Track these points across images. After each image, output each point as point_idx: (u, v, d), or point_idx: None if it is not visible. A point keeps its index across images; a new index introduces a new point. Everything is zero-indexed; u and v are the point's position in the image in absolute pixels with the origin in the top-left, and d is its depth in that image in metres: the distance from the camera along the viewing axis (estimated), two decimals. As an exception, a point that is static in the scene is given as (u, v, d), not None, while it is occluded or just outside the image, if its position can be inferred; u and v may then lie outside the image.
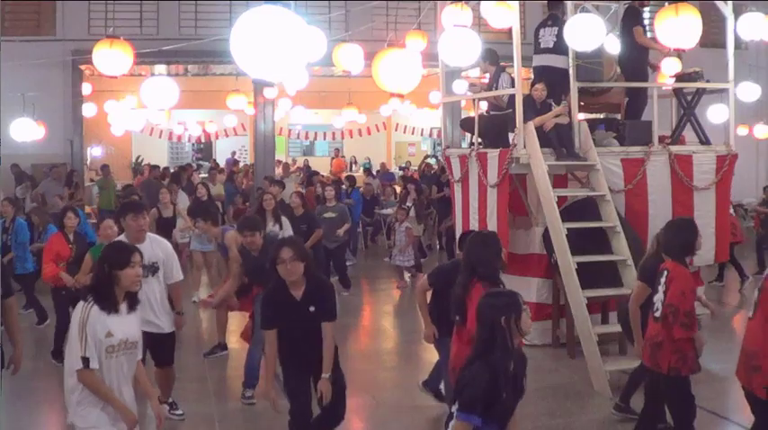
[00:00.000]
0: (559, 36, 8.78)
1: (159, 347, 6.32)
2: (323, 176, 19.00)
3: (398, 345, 9.85)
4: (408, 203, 13.80)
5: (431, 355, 7.24)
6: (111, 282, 4.25)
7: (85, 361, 4.10)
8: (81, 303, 4.24)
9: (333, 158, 24.65)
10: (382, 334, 10.62)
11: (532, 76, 9.75)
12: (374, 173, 20.86)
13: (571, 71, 8.84)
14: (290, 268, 5.09)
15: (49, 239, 8.81)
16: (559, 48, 8.95)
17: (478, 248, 5.39)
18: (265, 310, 5.30)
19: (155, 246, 6.21)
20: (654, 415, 5.77)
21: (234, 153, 24.21)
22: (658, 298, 5.41)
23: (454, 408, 3.72)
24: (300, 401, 5.27)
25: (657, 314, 5.38)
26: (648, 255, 6.21)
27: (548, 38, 9.27)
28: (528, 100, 8.89)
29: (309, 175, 18.94)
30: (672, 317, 5.23)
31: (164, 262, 6.23)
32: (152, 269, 6.11)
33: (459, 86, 14.00)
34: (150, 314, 6.12)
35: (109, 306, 4.21)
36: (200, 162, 24.29)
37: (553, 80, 9.05)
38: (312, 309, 5.17)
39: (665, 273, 5.40)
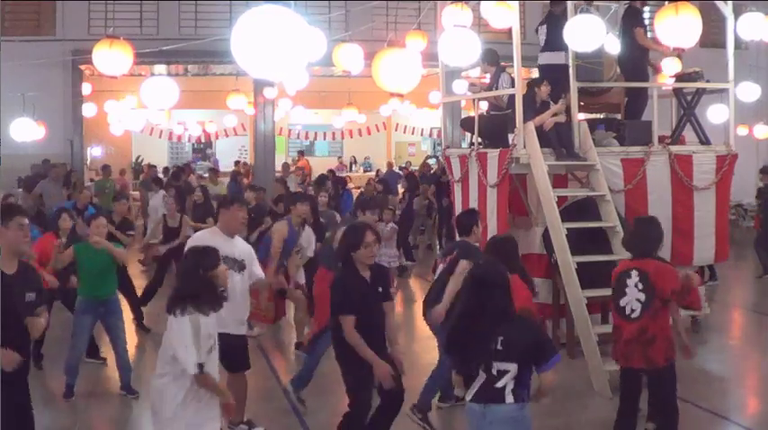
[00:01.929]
0: (549, 32, 8.80)
1: (242, 350, 6.18)
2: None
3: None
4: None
5: (430, 356, 7.25)
6: (211, 283, 4.51)
7: (200, 366, 4.38)
8: (177, 317, 4.39)
9: (297, 159, 23.48)
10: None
11: (533, 76, 9.76)
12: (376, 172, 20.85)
13: (571, 71, 8.84)
14: (374, 251, 5.36)
15: (39, 241, 8.48)
16: (553, 44, 8.95)
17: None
18: (349, 295, 5.32)
19: (243, 244, 6.18)
20: (633, 413, 5.78)
21: (237, 163, 23.79)
22: (630, 299, 5.45)
23: None
24: (369, 390, 5.42)
25: (635, 315, 5.43)
26: None
27: (541, 36, 9.31)
28: (528, 100, 8.89)
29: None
30: (678, 299, 5.42)
31: (249, 260, 6.11)
32: (241, 266, 6.01)
33: (459, 86, 14.00)
34: (244, 313, 6.13)
35: (215, 306, 4.50)
36: (200, 162, 24.27)
37: (552, 77, 9.04)
38: (380, 289, 5.46)
39: (638, 272, 5.44)
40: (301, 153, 23.90)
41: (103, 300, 7.52)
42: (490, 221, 9.16)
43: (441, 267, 6.68)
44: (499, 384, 4.26)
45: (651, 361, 5.41)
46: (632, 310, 5.45)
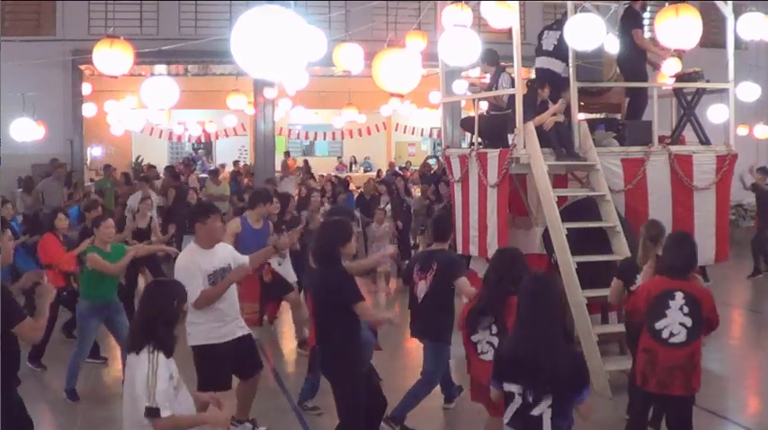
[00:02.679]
0: (560, 40, 8.79)
1: (254, 350, 6.25)
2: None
3: (397, 346, 9.83)
4: (381, 205, 13.69)
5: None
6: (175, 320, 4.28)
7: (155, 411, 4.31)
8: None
9: (284, 160, 22.49)
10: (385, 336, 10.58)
11: (532, 76, 9.75)
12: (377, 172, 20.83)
13: (571, 71, 8.85)
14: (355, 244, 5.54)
15: (43, 243, 8.56)
16: (559, 52, 8.97)
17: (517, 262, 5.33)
18: (355, 283, 5.33)
19: (223, 249, 6.07)
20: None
21: (237, 163, 23.69)
22: (672, 322, 5.13)
23: None
24: (364, 397, 5.42)
25: (677, 340, 5.12)
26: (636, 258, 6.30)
27: (550, 41, 9.27)
28: (527, 99, 8.89)
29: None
30: (707, 331, 5.24)
31: (232, 258, 6.05)
32: (228, 270, 5.92)
33: (459, 86, 13.99)
34: (240, 318, 6.12)
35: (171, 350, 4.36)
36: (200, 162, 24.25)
37: (551, 84, 9.05)
38: None
39: (683, 295, 5.12)
40: (287, 154, 23.68)
41: (109, 302, 7.46)
42: (490, 221, 9.17)
43: (421, 284, 6.36)
44: (535, 412, 3.99)
45: (691, 387, 5.18)
46: (671, 334, 5.13)
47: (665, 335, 5.14)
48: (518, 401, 4.03)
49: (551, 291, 4.16)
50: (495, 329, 5.23)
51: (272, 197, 9.17)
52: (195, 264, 5.72)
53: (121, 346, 7.33)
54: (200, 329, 5.79)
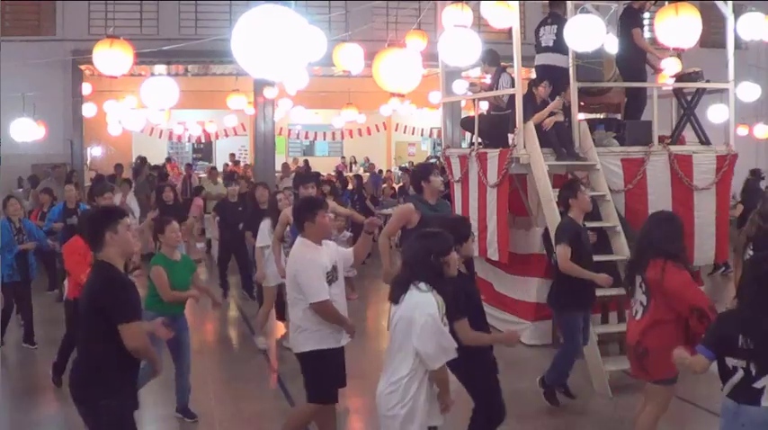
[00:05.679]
0: (559, 34, 8.76)
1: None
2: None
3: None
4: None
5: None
6: (442, 269, 4.43)
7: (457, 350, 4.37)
8: (425, 295, 4.28)
9: (285, 161, 22.18)
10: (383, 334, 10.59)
11: (534, 76, 9.75)
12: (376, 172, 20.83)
13: (571, 71, 8.84)
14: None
15: (71, 246, 7.51)
16: (560, 46, 8.94)
17: (664, 226, 5.38)
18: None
19: (327, 247, 5.58)
20: None
21: (233, 155, 23.82)
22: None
23: None
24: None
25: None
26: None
27: (548, 36, 9.27)
28: (528, 99, 8.89)
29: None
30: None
31: (339, 257, 5.63)
32: (337, 270, 5.53)
33: (459, 86, 14.00)
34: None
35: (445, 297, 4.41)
36: (199, 162, 24.25)
37: (554, 79, 9.04)
38: None
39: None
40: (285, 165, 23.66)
41: (175, 317, 6.46)
42: (490, 221, 9.17)
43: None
44: (758, 384, 4.17)
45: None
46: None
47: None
48: (740, 375, 4.24)
49: None
50: (644, 287, 5.34)
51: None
52: (318, 259, 5.32)
53: (180, 366, 6.68)
54: (312, 335, 5.37)
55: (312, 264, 5.31)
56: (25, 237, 9.30)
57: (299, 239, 5.51)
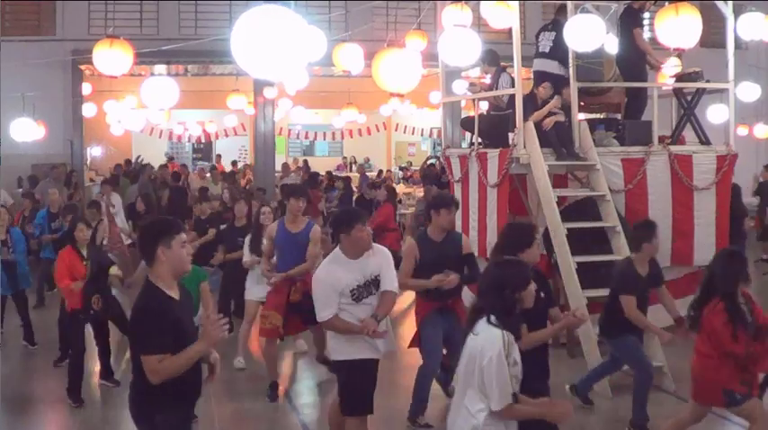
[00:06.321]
0: (556, 41, 8.78)
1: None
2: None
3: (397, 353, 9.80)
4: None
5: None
6: (515, 305, 3.98)
7: (515, 396, 3.84)
8: (493, 331, 3.85)
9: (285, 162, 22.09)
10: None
11: (532, 77, 9.76)
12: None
13: (571, 71, 8.85)
14: None
15: (59, 256, 7.59)
16: (555, 53, 8.97)
17: (723, 262, 5.39)
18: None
19: (374, 260, 5.32)
20: None
21: (235, 163, 23.56)
22: None
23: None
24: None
25: None
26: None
27: (545, 42, 9.29)
28: (528, 99, 8.89)
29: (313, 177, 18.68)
30: None
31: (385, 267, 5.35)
32: (376, 283, 5.28)
33: (459, 86, 13.99)
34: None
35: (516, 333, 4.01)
36: (200, 162, 24.24)
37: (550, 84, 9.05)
38: None
39: None
40: (219, 156, 23.63)
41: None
42: (490, 221, 9.16)
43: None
44: None
45: None
46: None
47: None
48: None
49: None
50: None
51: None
52: (333, 277, 5.14)
53: None
54: (344, 344, 5.23)
55: (321, 283, 5.17)
56: (11, 250, 8.86)
57: (332, 253, 5.34)
